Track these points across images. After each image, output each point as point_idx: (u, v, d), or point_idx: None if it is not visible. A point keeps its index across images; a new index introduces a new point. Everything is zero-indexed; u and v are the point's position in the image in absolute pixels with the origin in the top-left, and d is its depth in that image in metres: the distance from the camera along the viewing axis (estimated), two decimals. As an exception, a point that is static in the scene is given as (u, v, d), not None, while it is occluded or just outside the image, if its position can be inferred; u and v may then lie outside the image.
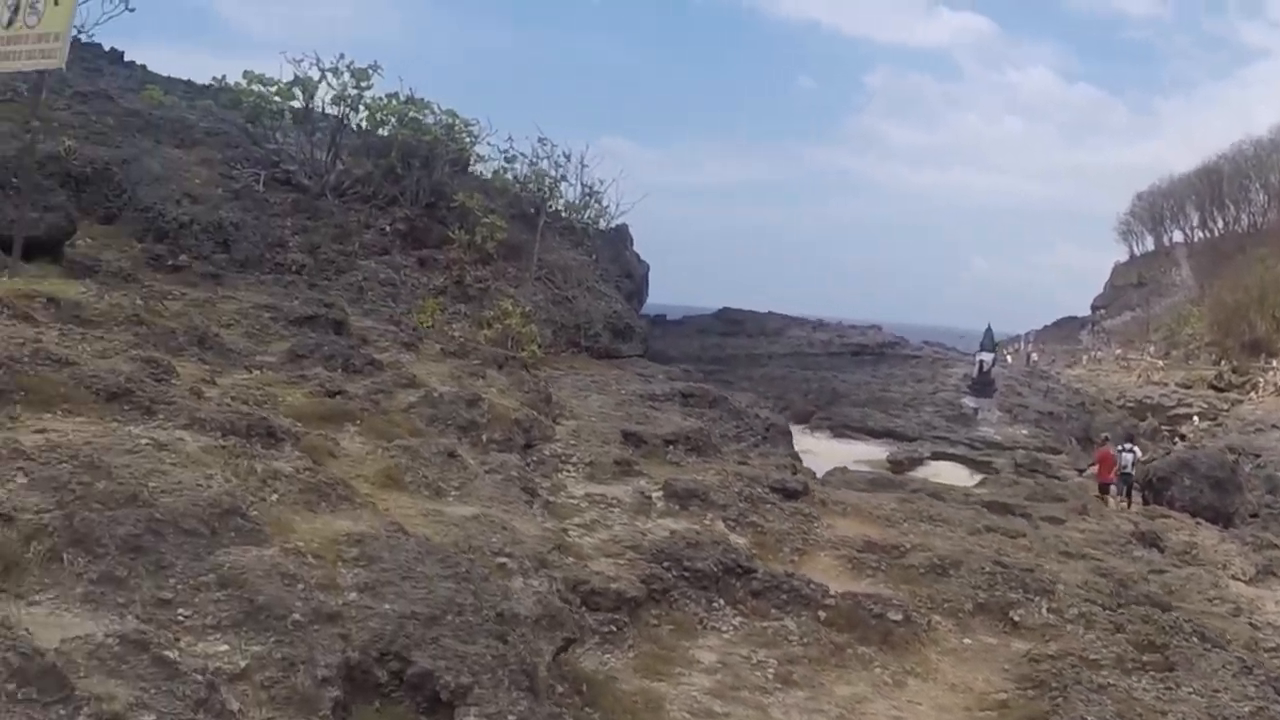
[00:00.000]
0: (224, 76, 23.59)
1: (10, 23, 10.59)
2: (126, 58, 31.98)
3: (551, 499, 9.76)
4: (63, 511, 4.83)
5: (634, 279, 29.42)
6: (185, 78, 32.04)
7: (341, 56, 21.55)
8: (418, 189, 21.16)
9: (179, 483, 5.44)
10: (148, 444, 5.94)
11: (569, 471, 11.04)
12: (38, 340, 7.77)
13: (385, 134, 21.97)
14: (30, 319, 8.83)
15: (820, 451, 24.89)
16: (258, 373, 10.21)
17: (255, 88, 21.90)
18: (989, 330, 44.04)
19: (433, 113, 22.46)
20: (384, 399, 10.42)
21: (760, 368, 37.32)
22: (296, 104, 21.33)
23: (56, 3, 10.24)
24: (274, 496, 6.06)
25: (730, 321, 42.89)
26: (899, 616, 8.31)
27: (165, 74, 31.62)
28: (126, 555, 4.77)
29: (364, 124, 22.04)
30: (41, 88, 11.66)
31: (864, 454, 27.50)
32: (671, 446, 12.69)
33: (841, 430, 31.01)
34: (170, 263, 12.96)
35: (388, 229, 20.02)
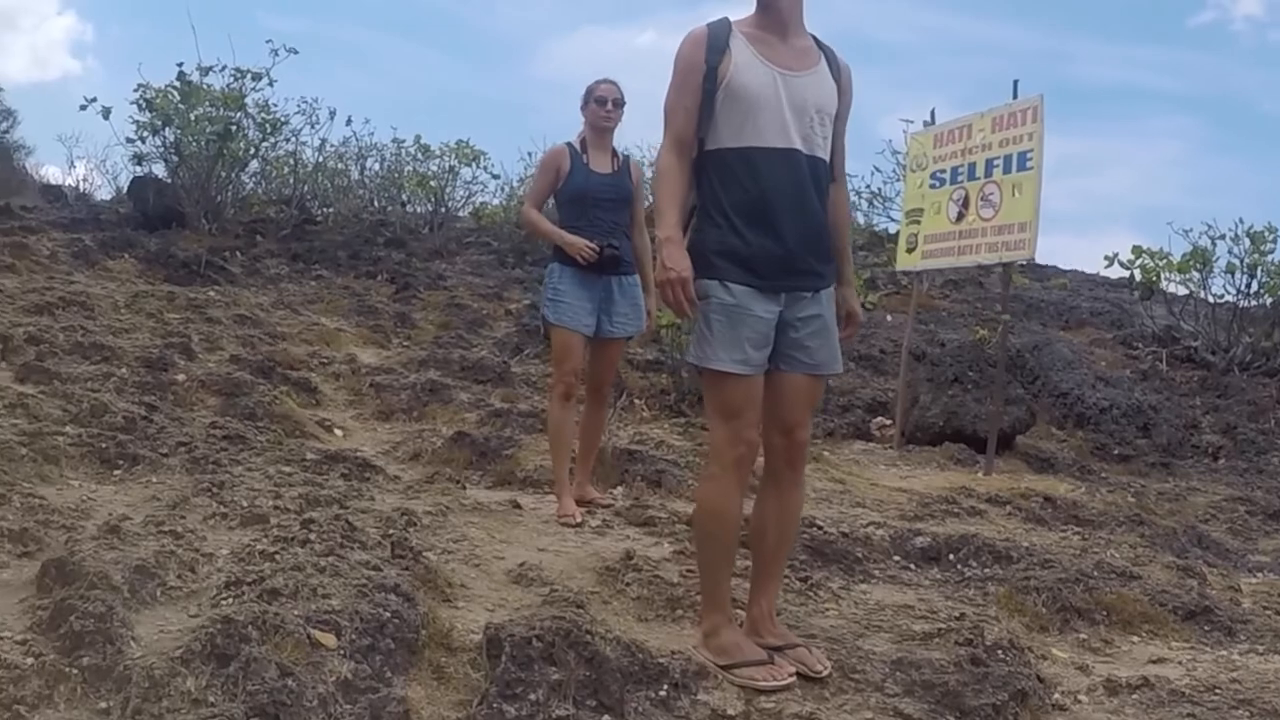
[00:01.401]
0: (1114, 253, 23.55)
1: (960, 216, 10.43)
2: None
3: None
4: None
5: None
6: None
7: (1240, 221, 20.57)
8: (1325, 355, 19.31)
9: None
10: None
11: None
12: (1095, 552, 7.92)
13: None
14: (1041, 520, 9.14)
15: None
16: (1260, 575, 9.66)
17: (1145, 261, 21.64)
18: None
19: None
20: None
21: None
22: (1193, 276, 20.69)
23: (1015, 194, 9.80)
24: None
25: None
26: None
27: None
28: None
29: (1261, 289, 20.73)
30: (1009, 280, 11.60)
31: None
32: None
33: None
34: (1116, 451, 12.91)
35: (1303, 403, 18.44)
